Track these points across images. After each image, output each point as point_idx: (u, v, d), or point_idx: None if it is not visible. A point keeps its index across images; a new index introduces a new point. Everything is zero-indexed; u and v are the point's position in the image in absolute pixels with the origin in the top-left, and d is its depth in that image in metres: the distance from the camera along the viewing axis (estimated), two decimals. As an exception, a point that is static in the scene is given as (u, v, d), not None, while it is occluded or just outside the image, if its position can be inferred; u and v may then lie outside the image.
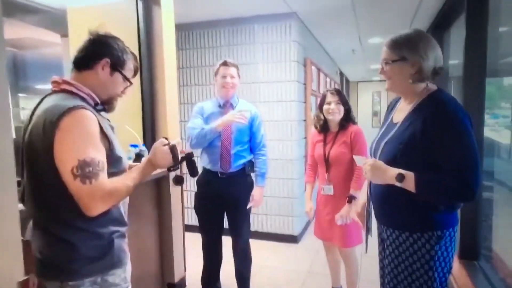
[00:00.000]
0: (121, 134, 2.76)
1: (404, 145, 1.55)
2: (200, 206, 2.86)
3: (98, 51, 1.43)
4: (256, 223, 4.39)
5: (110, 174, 1.32)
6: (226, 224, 2.90)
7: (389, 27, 4.83)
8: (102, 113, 1.47)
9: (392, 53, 1.59)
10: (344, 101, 2.67)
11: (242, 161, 2.77)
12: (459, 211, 1.71)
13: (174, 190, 3.05)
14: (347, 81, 10.87)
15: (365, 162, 1.63)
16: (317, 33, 5.21)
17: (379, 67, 1.70)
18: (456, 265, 2.78)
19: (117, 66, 1.45)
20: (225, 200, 2.76)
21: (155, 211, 2.99)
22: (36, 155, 1.29)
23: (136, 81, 2.88)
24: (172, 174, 2.94)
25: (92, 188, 1.23)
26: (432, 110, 1.51)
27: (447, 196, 1.51)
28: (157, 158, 1.45)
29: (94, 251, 1.32)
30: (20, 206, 1.38)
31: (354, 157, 1.76)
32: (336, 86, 5.48)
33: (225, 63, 2.76)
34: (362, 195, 2.11)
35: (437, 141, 1.47)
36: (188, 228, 3.37)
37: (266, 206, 4.39)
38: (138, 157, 2.58)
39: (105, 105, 1.47)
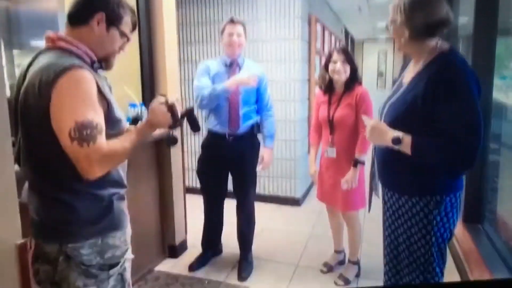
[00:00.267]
0: (120, 93, 2.70)
1: (405, 108, 1.52)
2: (205, 168, 2.83)
3: (92, 4, 1.33)
4: (258, 185, 4.33)
5: (109, 136, 1.26)
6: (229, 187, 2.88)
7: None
8: (100, 71, 1.39)
9: (392, 13, 1.56)
10: (350, 60, 2.57)
11: (250, 121, 2.74)
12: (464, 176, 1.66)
13: (174, 152, 3.00)
14: (352, 40, 10.60)
15: (367, 123, 1.61)
16: (322, -12, 4.99)
17: (386, 24, 1.65)
18: (460, 229, 2.77)
19: (113, 20, 1.35)
20: (232, 162, 2.74)
21: (155, 173, 2.95)
22: (31, 116, 1.23)
23: (134, 37, 2.78)
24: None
25: (90, 151, 1.18)
26: (436, 70, 1.45)
27: (444, 161, 1.46)
28: (156, 118, 1.38)
29: (93, 213, 1.30)
30: (16, 167, 1.34)
31: (363, 117, 1.71)
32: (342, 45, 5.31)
33: (231, 21, 2.66)
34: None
35: (438, 103, 1.41)
36: (188, 190, 3.35)
37: (268, 168, 4.34)
38: (136, 121, 2.51)
39: (103, 62, 1.39)
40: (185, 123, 1.54)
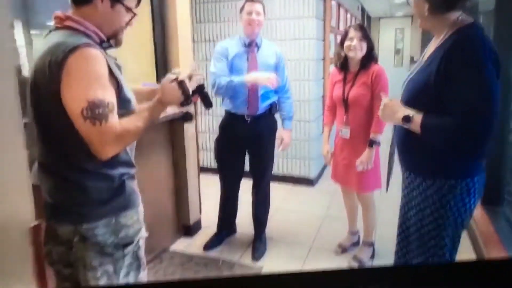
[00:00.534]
0: (133, 72, 2.68)
1: (419, 86, 1.47)
2: (223, 149, 2.84)
3: None
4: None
5: (119, 116, 1.26)
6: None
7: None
8: (109, 51, 1.37)
9: None
10: (367, 37, 2.49)
11: (268, 102, 2.73)
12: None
13: (188, 131, 2.99)
14: (369, 17, 10.34)
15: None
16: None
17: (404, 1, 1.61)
18: (478, 211, 2.71)
19: None
20: (250, 142, 2.75)
21: (169, 153, 2.96)
22: (42, 97, 1.23)
23: (147, 15, 2.75)
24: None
25: (102, 130, 1.18)
26: (450, 45, 1.38)
27: (453, 143, 1.40)
28: (166, 95, 1.37)
29: (105, 193, 1.30)
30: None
31: (380, 94, 1.67)
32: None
33: None
34: None
35: (450, 80, 1.35)
36: (202, 170, 3.35)
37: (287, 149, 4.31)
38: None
39: (111, 39, 1.37)
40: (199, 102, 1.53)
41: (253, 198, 2.92)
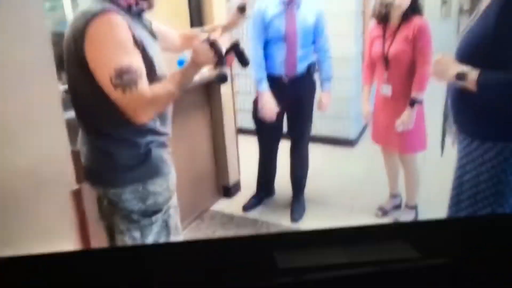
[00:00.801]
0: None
1: (477, 39, 1.37)
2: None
3: None
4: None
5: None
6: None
7: None
8: (143, 19, 1.36)
9: None
10: None
11: (307, 62, 2.68)
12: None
13: (225, 92, 2.98)
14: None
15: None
16: None
17: None
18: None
19: None
20: (288, 103, 2.72)
21: (207, 115, 2.98)
22: (70, 64, 1.26)
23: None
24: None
25: (134, 97, 1.19)
26: None
27: None
28: (198, 56, 1.34)
29: (130, 160, 1.32)
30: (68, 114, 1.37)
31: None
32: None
33: None
34: None
35: (510, 32, 1.24)
36: (240, 131, 3.35)
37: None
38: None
39: (142, 2, 1.33)
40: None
41: (292, 159, 2.90)
